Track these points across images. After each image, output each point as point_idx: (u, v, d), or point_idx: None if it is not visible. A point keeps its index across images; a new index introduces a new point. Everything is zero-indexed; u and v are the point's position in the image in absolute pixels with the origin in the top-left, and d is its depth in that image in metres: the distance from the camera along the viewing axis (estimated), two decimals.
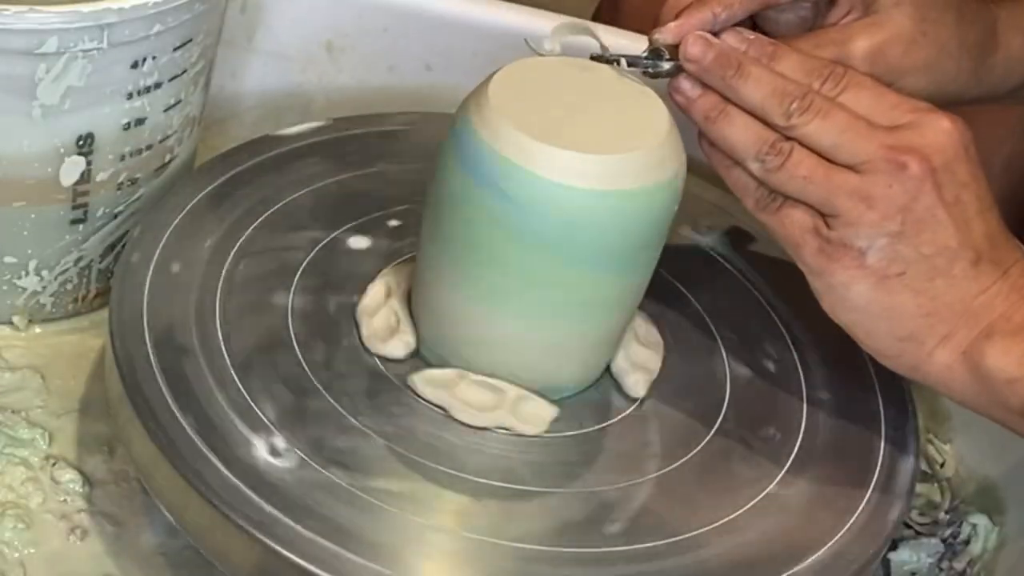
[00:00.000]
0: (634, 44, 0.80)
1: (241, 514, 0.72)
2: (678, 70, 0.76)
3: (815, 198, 0.73)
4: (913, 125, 0.73)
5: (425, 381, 0.80)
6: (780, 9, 0.82)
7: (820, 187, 0.73)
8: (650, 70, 0.77)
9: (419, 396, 0.79)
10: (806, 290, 0.91)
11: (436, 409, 0.79)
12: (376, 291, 0.83)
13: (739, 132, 0.75)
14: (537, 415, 0.80)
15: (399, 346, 0.81)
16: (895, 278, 0.73)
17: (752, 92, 0.75)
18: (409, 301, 0.83)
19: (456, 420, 0.79)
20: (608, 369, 0.83)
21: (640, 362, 0.83)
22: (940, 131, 0.73)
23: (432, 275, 0.79)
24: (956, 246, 0.73)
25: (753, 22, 0.82)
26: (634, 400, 0.82)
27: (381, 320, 0.82)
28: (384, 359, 0.81)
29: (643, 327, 0.85)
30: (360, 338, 0.82)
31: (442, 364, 0.80)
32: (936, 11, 0.82)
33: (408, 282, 0.84)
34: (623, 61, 0.78)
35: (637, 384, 0.82)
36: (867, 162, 0.72)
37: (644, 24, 0.80)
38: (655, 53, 0.77)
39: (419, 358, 0.81)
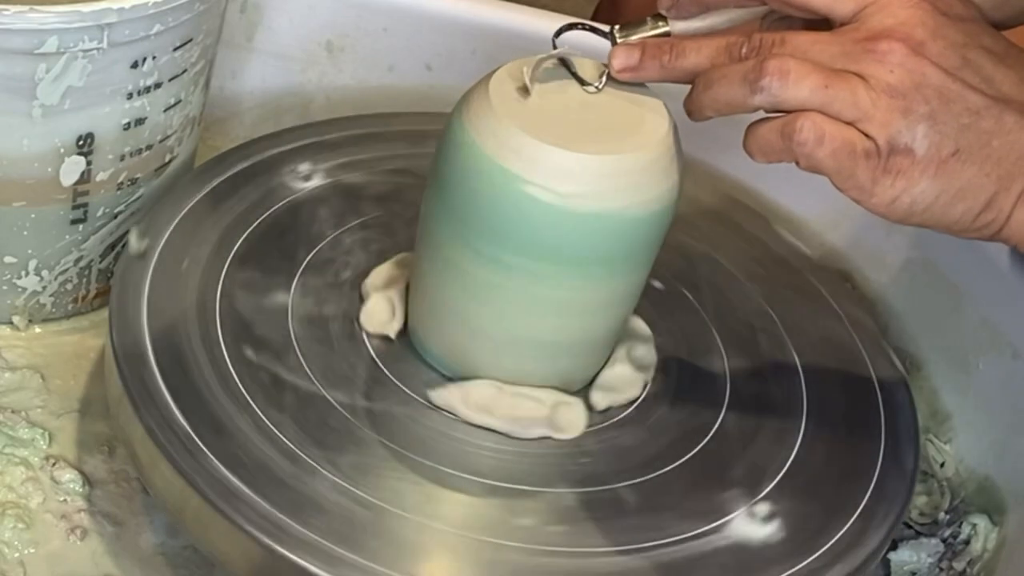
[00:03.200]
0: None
1: (241, 514, 0.72)
2: None
3: (836, 99, 0.69)
4: (872, 13, 0.70)
5: (470, 407, 0.79)
6: None
7: (837, 89, 0.69)
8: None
9: (464, 420, 0.79)
10: (805, 290, 0.91)
11: (434, 408, 0.79)
12: (383, 272, 0.84)
13: (724, 86, 0.71)
14: (573, 421, 0.80)
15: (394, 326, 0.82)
16: (951, 159, 0.70)
17: (694, 58, 0.72)
18: (410, 320, 0.83)
19: (503, 434, 0.79)
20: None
21: (637, 357, 0.83)
22: (906, 4, 0.70)
23: (434, 280, 0.79)
24: (991, 104, 0.70)
25: None
26: (634, 399, 0.82)
27: (380, 305, 0.82)
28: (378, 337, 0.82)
29: (640, 348, 0.85)
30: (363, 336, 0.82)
31: (452, 372, 0.80)
32: None
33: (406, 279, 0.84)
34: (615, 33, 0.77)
35: (600, 401, 0.82)
36: (849, 59, 0.70)
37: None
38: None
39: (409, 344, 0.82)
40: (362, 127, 0.96)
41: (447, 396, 0.79)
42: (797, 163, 0.72)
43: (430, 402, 0.79)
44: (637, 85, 0.77)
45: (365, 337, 0.82)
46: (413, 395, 0.80)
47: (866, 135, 0.70)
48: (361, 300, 0.84)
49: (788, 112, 0.71)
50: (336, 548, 0.72)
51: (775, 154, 0.72)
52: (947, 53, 0.71)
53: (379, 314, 0.82)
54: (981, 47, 0.72)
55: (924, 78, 0.70)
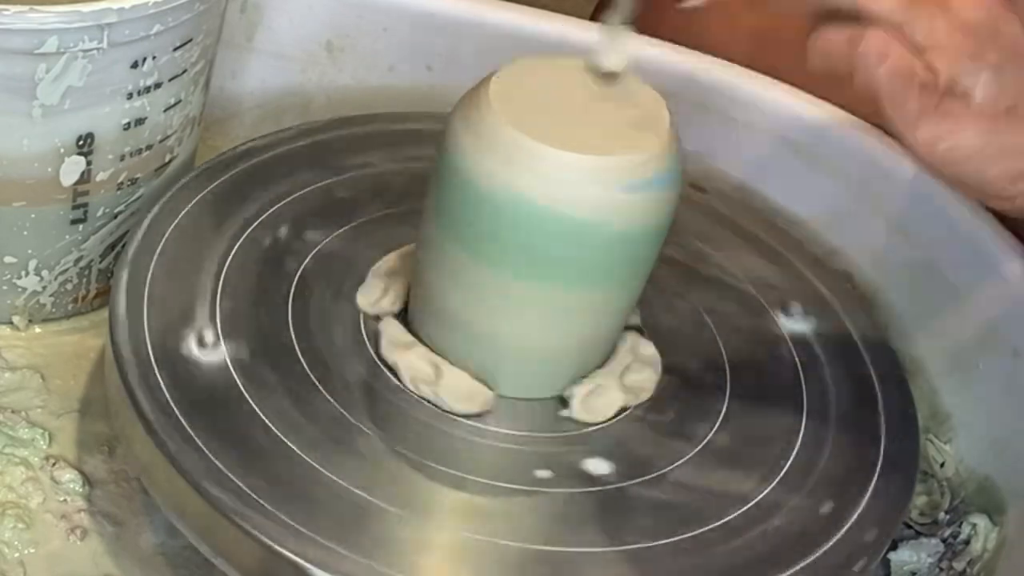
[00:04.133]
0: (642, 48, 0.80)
1: (241, 514, 0.72)
2: None
3: (914, 21, 0.69)
4: None
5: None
6: None
7: (914, 12, 0.70)
8: None
9: (450, 410, 0.79)
10: (805, 290, 0.91)
11: (435, 407, 0.79)
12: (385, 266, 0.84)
13: None
14: (605, 405, 0.80)
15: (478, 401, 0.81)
16: (1005, 114, 0.70)
17: None
18: (411, 322, 0.83)
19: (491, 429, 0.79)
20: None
21: (639, 351, 0.83)
22: None
23: (436, 282, 0.79)
24: None
25: None
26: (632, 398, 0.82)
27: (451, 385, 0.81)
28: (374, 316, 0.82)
29: (643, 347, 0.84)
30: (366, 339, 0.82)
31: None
32: None
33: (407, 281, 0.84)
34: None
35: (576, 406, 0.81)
36: None
37: (642, 24, 0.80)
38: None
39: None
40: (362, 127, 0.96)
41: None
42: (852, 76, 0.71)
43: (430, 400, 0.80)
44: (639, 84, 0.77)
45: (366, 337, 0.82)
46: (414, 395, 0.80)
47: (929, 67, 0.70)
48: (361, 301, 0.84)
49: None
50: (336, 548, 0.72)
51: (836, 59, 0.71)
52: None
53: (375, 293, 0.82)
54: None
55: (1000, 28, 0.70)
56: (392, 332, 0.82)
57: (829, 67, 0.72)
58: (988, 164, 0.71)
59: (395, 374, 0.80)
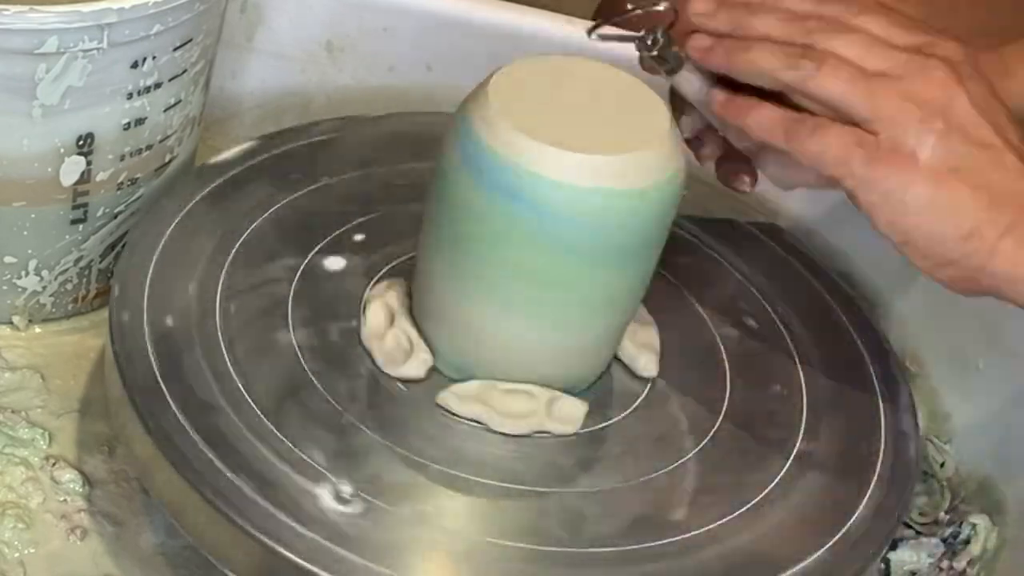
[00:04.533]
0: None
1: (241, 514, 0.72)
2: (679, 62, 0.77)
3: (857, 103, 0.73)
4: (930, 43, 0.74)
5: (457, 398, 0.79)
6: None
7: (862, 91, 0.72)
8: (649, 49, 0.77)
9: (452, 413, 0.79)
10: (805, 290, 0.91)
11: (435, 407, 0.79)
12: (376, 313, 0.82)
13: (766, 53, 0.74)
14: (571, 414, 0.80)
15: (417, 365, 0.81)
16: (950, 174, 0.72)
17: (766, 22, 0.75)
18: (412, 315, 0.83)
19: (493, 431, 0.79)
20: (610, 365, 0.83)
21: (646, 342, 0.84)
22: (954, 48, 0.74)
23: (439, 282, 0.79)
24: (1001, 145, 0.73)
25: None
26: (631, 399, 0.82)
27: (392, 342, 0.81)
28: (404, 380, 0.81)
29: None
30: (369, 354, 0.82)
31: (460, 374, 0.80)
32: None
33: (409, 298, 0.83)
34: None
35: (648, 364, 0.83)
36: (897, 66, 0.73)
37: (642, 25, 0.80)
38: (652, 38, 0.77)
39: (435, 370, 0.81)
40: (362, 127, 0.96)
41: (443, 395, 0.80)
42: (791, 142, 0.74)
43: (431, 402, 0.79)
44: (638, 84, 0.77)
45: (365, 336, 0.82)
46: (413, 395, 0.80)
47: (870, 132, 0.73)
48: (362, 301, 0.84)
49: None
50: (336, 548, 0.72)
51: (770, 132, 0.75)
52: (976, 92, 0.73)
53: (396, 354, 0.81)
54: (999, 107, 0.75)
55: (951, 101, 0.73)
56: (377, 311, 0.82)
57: (764, 138, 0.75)
58: (937, 222, 0.73)
59: (394, 376, 0.80)
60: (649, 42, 0.77)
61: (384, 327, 0.82)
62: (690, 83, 0.77)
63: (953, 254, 0.74)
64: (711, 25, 0.76)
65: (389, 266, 0.86)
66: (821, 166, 0.74)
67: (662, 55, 0.77)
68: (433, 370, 0.81)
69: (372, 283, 0.84)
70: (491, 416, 0.79)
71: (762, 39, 0.75)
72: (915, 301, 0.94)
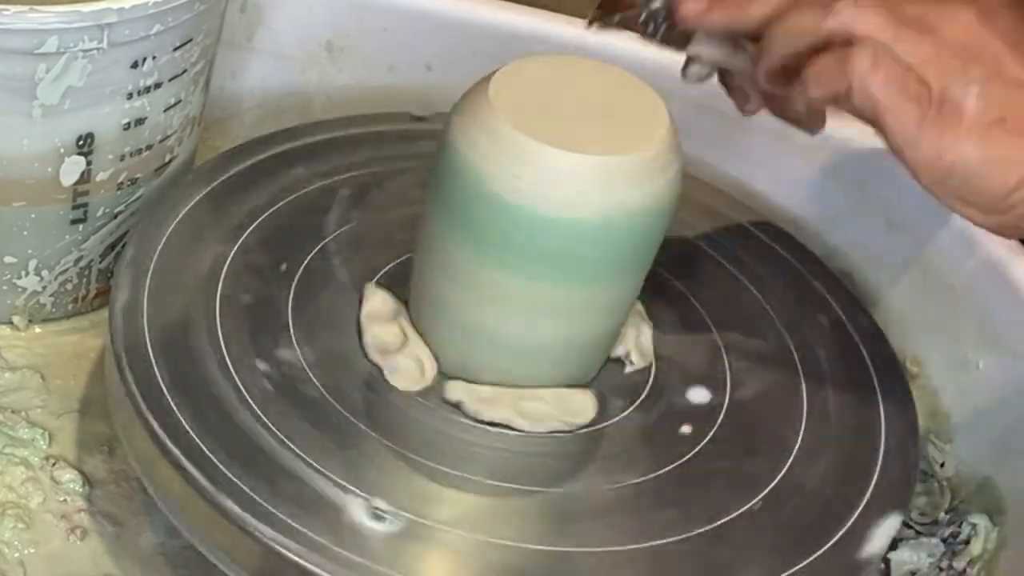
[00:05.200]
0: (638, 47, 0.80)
1: (241, 514, 0.72)
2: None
3: (903, 38, 0.71)
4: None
5: (480, 402, 0.79)
6: None
7: (905, 25, 0.71)
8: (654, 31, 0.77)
9: (479, 420, 0.79)
10: (805, 290, 0.91)
11: (435, 407, 0.79)
12: (376, 312, 0.83)
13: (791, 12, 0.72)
14: (583, 407, 0.80)
15: (423, 379, 0.81)
16: (996, 126, 0.71)
17: (766, 3, 0.73)
18: (410, 315, 0.83)
19: (515, 430, 0.79)
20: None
21: (641, 341, 0.84)
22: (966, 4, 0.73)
23: (436, 282, 0.79)
24: None
25: None
26: (630, 399, 0.82)
27: (405, 361, 0.81)
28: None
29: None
30: (364, 348, 0.82)
31: (460, 373, 0.80)
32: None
33: (407, 299, 0.83)
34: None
35: (643, 363, 0.83)
36: (922, 16, 0.71)
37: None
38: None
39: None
40: (362, 127, 0.96)
41: (457, 390, 0.80)
42: (849, 97, 0.72)
43: (435, 397, 0.80)
44: (638, 84, 0.77)
45: (366, 335, 0.82)
46: (414, 394, 0.80)
47: (920, 80, 0.71)
48: (360, 302, 0.84)
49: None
50: (336, 548, 0.72)
51: (831, 82, 0.72)
52: (1010, 28, 0.72)
53: (410, 373, 0.81)
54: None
55: (980, 46, 0.71)
56: (374, 303, 0.82)
57: (827, 92, 0.73)
58: (986, 176, 0.72)
59: (402, 390, 0.81)
60: (650, 29, 0.76)
61: (384, 326, 0.82)
62: (710, 46, 0.77)
63: (1001, 206, 0.73)
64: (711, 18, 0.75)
65: (389, 266, 0.86)
66: (876, 116, 0.72)
67: (667, 39, 0.76)
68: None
69: (373, 283, 0.85)
70: (514, 419, 0.79)
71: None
72: (915, 301, 0.94)
